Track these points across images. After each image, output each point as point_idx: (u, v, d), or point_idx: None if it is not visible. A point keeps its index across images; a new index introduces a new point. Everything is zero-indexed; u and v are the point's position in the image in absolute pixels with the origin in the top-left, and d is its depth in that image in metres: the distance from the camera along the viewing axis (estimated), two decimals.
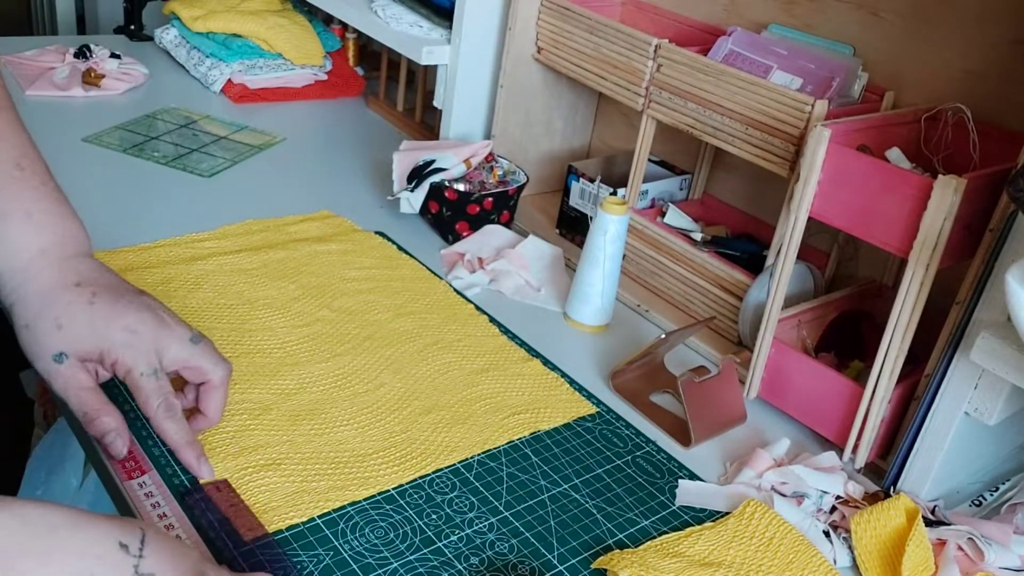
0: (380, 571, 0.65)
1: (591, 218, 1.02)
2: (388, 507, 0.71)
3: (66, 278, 0.68)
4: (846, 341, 0.92)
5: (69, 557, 0.49)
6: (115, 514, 0.56)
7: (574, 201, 1.15)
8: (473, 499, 0.73)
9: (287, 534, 0.67)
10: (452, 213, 1.11)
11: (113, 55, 1.48)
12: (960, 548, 0.73)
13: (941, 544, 0.73)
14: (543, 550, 0.69)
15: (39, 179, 0.71)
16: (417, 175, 1.12)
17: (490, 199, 1.11)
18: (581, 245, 1.01)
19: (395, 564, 0.66)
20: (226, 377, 0.72)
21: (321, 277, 1.00)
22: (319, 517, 0.69)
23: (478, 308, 1.00)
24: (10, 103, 0.73)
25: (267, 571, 0.62)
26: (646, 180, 1.09)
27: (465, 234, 1.12)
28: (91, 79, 1.42)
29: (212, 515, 0.67)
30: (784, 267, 0.84)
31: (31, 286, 0.68)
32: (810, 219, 0.82)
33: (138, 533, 0.53)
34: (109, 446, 0.68)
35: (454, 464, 0.77)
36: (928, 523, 0.74)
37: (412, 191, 1.11)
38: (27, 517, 0.49)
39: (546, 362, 0.92)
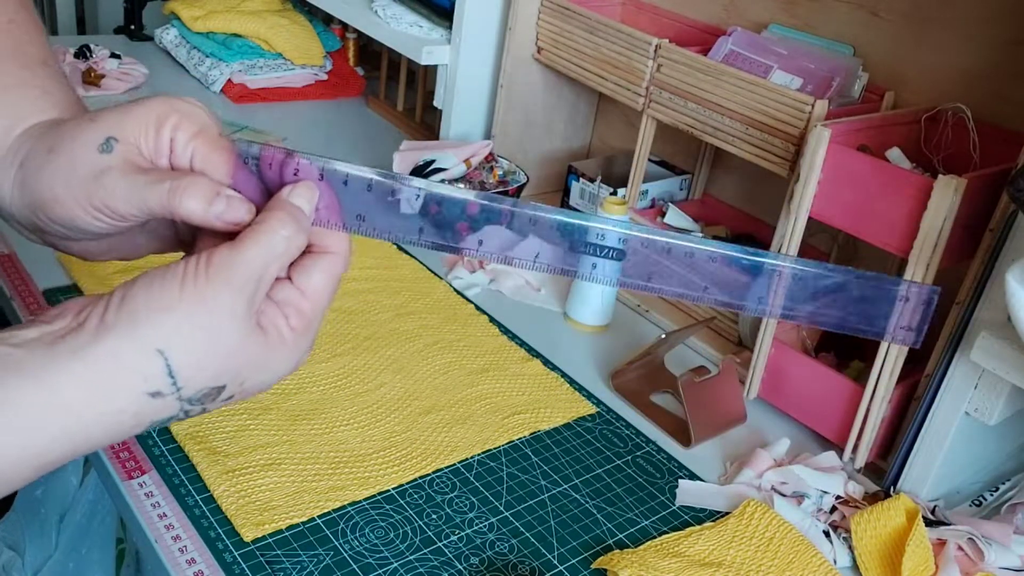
0: (380, 571, 0.65)
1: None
2: (388, 507, 0.71)
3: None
4: (846, 341, 0.92)
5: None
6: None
7: (574, 201, 1.15)
8: (473, 499, 0.73)
9: (287, 534, 0.67)
10: None
11: (113, 55, 1.48)
12: (960, 548, 0.73)
13: (941, 544, 0.73)
14: (543, 550, 0.69)
15: (62, 75, 0.59)
16: (417, 175, 1.12)
17: None
18: None
19: (395, 564, 0.66)
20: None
21: None
22: (319, 517, 0.69)
23: (478, 308, 1.00)
24: (36, 13, 0.61)
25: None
26: (646, 180, 1.09)
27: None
28: (91, 79, 1.42)
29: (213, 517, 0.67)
30: None
31: (41, 135, 0.54)
32: (810, 219, 0.82)
33: (159, 361, 0.42)
34: (231, 209, 0.47)
35: (454, 464, 0.77)
36: (928, 523, 0.74)
37: None
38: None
39: (546, 362, 0.92)
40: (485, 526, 0.71)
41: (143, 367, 0.42)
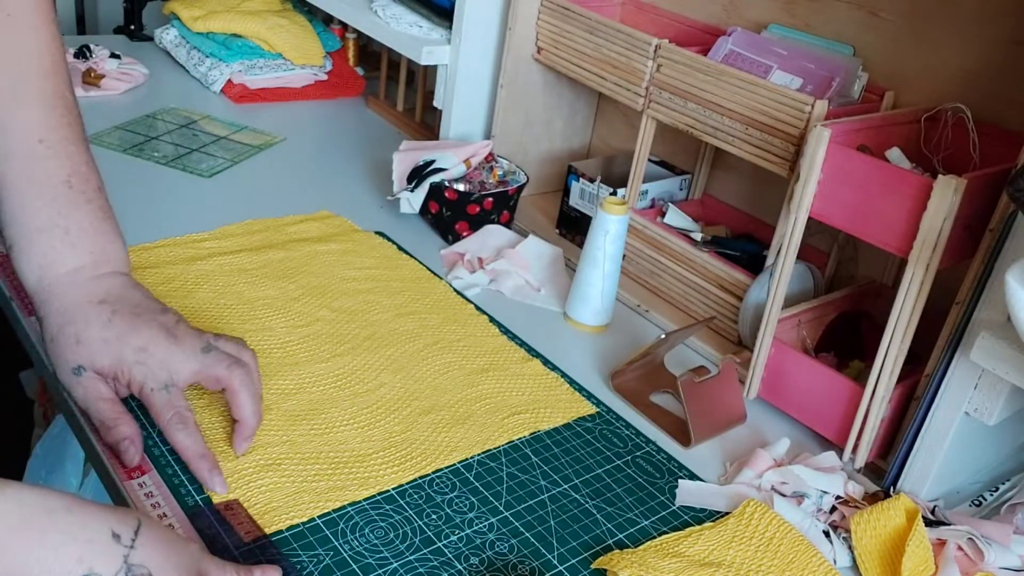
0: (380, 571, 0.65)
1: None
2: (388, 507, 0.71)
3: (92, 295, 0.71)
4: (846, 341, 0.92)
5: (60, 539, 0.50)
6: (116, 505, 0.56)
7: (574, 201, 1.15)
8: (473, 499, 0.73)
9: (287, 534, 0.67)
10: (452, 213, 1.11)
11: (113, 55, 1.48)
12: (960, 548, 0.73)
13: (941, 544, 0.73)
14: (543, 550, 0.69)
15: (85, 197, 0.74)
16: (417, 175, 1.12)
17: (490, 199, 1.11)
18: (581, 245, 1.01)
19: (395, 564, 0.66)
20: (245, 377, 0.72)
21: (321, 277, 1.00)
22: (319, 517, 0.69)
23: (478, 308, 1.00)
24: (74, 119, 0.76)
25: (275, 566, 0.62)
26: (646, 180, 1.09)
27: (465, 234, 1.12)
28: (91, 79, 1.42)
29: (213, 518, 0.67)
30: (784, 267, 0.84)
31: (56, 302, 0.71)
32: (810, 219, 0.82)
33: (133, 523, 0.53)
34: (123, 453, 0.70)
35: (454, 464, 0.77)
36: (928, 523, 0.74)
37: (412, 191, 1.11)
38: (24, 499, 0.50)
39: (546, 362, 0.92)
40: (485, 526, 0.71)
41: None
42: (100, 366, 0.70)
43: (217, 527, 0.66)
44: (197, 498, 0.68)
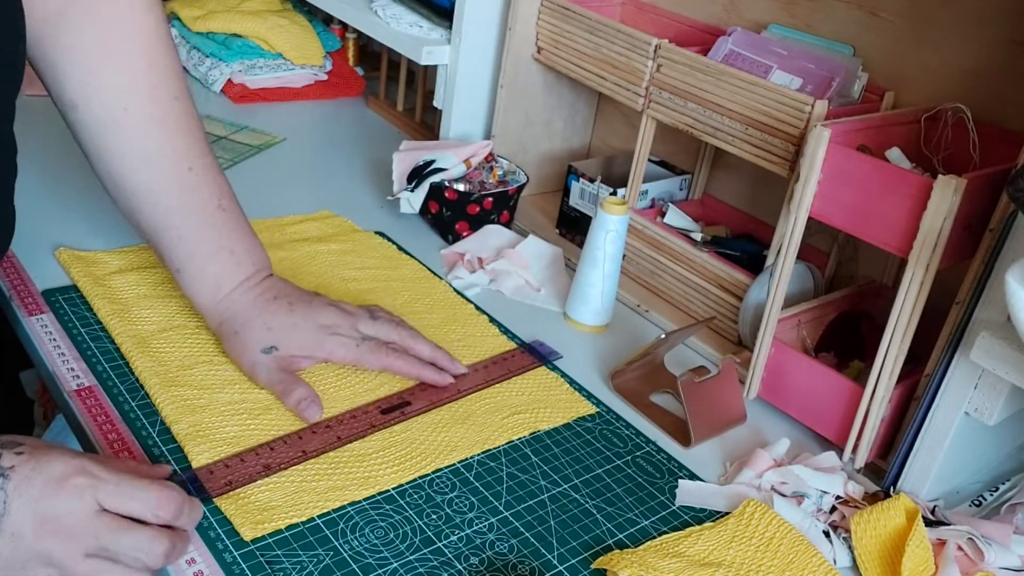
0: (380, 571, 0.65)
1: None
2: (388, 507, 0.71)
3: (266, 295, 0.83)
4: (846, 341, 0.92)
5: None
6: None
7: (574, 201, 1.15)
8: (473, 499, 0.73)
9: (287, 534, 0.67)
10: (452, 213, 1.11)
11: None
12: (960, 548, 0.73)
13: (941, 544, 0.73)
14: (543, 550, 0.69)
15: (235, 215, 0.84)
16: (417, 175, 1.12)
17: (490, 199, 1.11)
18: (581, 245, 1.01)
19: (395, 564, 0.66)
20: (409, 333, 0.86)
21: (321, 277, 1.00)
22: (319, 517, 0.69)
23: (478, 308, 1.00)
24: (206, 147, 0.84)
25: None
26: (646, 180, 1.09)
27: (465, 234, 1.12)
28: None
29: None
30: (784, 267, 0.84)
31: (235, 308, 0.82)
32: (810, 219, 0.82)
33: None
34: (304, 411, 0.77)
35: (454, 464, 0.77)
36: (928, 523, 0.74)
37: (412, 191, 1.11)
38: None
39: (546, 362, 0.92)
40: (485, 526, 0.71)
41: None
42: (290, 344, 0.81)
43: (217, 528, 0.66)
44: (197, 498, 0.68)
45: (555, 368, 0.91)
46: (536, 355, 0.92)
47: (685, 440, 0.84)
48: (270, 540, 0.66)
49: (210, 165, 0.84)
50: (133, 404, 0.77)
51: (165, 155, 0.81)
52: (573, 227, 1.17)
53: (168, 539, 0.59)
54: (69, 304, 0.88)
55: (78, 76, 0.78)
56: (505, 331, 0.96)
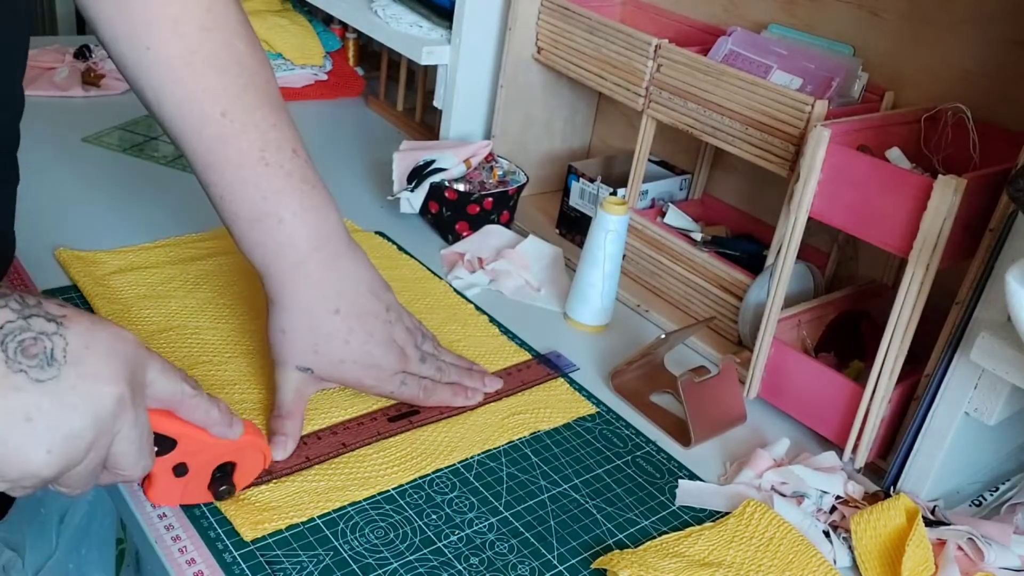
0: (380, 571, 0.65)
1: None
2: (388, 507, 0.71)
3: (326, 299, 0.72)
4: (846, 341, 0.92)
5: None
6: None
7: (574, 201, 1.15)
8: (473, 499, 0.73)
9: (287, 534, 0.67)
10: (452, 213, 1.11)
11: None
12: (960, 548, 0.73)
13: (941, 544, 0.73)
14: (543, 550, 0.69)
15: (284, 171, 0.70)
16: (417, 175, 1.12)
17: (490, 199, 1.11)
18: (581, 245, 1.01)
19: (395, 564, 0.66)
20: (457, 372, 0.83)
21: None
22: (319, 517, 0.69)
23: (478, 308, 1.00)
24: (252, 74, 0.70)
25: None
26: (646, 180, 1.09)
27: (465, 234, 1.12)
28: (90, 79, 1.42)
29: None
30: (784, 267, 0.84)
31: (289, 298, 0.72)
32: (810, 219, 0.82)
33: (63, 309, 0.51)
34: (276, 446, 0.72)
35: (454, 464, 0.77)
36: (928, 523, 0.74)
37: (412, 191, 1.11)
38: None
39: (563, 374, 0.92)
40: (485, 526, 0.71)
41: None
42: (327, 375, 0.75)
43: (217, 528, 0.66)
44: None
45: (555, 368, 0.91)
46: (553, 367, 0.91)
47: (685, 440, 0.84)
48: (270, 540, 0.66)
49: (251, 106, 0.69)
50: None
51: (194, 99, 0.68)
52: (573, 227, 1.17)
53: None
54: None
55: (107, 14, 0.68)
56: (505, 331, 0.96)
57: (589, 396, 0.88)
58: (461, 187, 1.13)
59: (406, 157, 1.15)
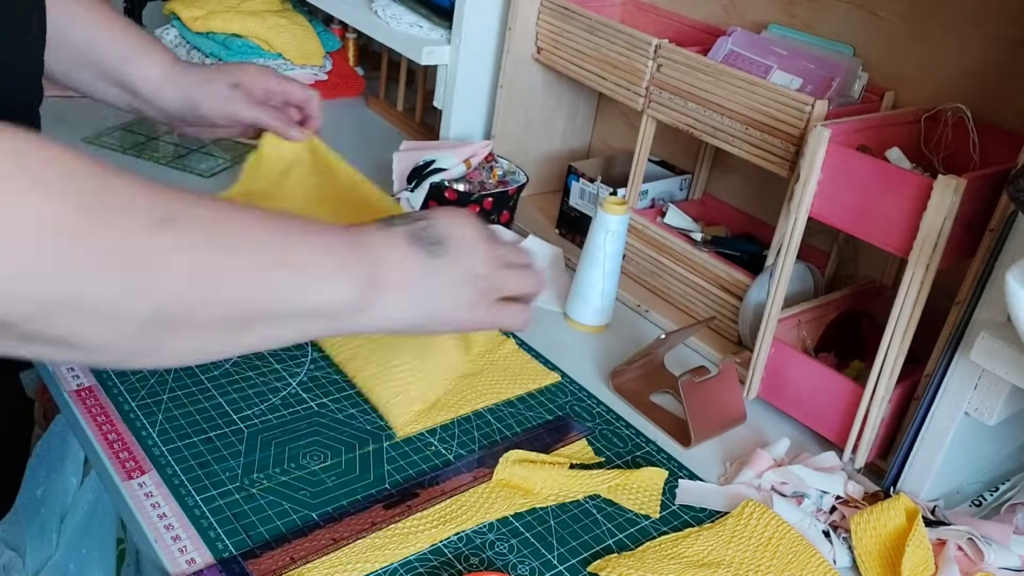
0: (380, 571, 0.65)
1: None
2: None
3: (193, 67, 0.95)
4: (846, 341, 0.92)
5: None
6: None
7: (574, 201, 1.15)
8: None
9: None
10: None
11: None
12: (960, 548, 0.73)
13: (941, 544, 0.73)
14: (543, 550, 0.69)
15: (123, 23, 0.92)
16: (417, 175, 1.12)
17: (490, 199, 1.11)
18: (581, 245, 1.01)
19: (395, 564, 0.66)
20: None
21: None
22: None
23: None
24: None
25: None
26: (646, 180, 1.09)
27: None
28: None
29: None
30: (784, 267, 0.84)
31: (184, 88, 0.92)
32: (810, 219, 0.82)
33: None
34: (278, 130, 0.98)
35: None
36: (928, 523, 0.74)
37: (412, 191, 1.11)
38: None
39: (546, 362, 0.92)
40: (485, 526, 0.71)
41: None
42: (246, 83, 0.95)
43: (217, 528, 0.66)
44: (197, 498, 0.68)
45: (555, 368, 0.91)
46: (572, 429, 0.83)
47: (685, 440, 0.84)
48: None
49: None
50: (133, 404, 0.77)
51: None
52: (573, 227, 1.17)
53: None
54: None
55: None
56: (506, 332, 0.96)
57: (589, 396, 0.88)
58: (461, 187, 1.13)
59: (406, 157, 1.15)
